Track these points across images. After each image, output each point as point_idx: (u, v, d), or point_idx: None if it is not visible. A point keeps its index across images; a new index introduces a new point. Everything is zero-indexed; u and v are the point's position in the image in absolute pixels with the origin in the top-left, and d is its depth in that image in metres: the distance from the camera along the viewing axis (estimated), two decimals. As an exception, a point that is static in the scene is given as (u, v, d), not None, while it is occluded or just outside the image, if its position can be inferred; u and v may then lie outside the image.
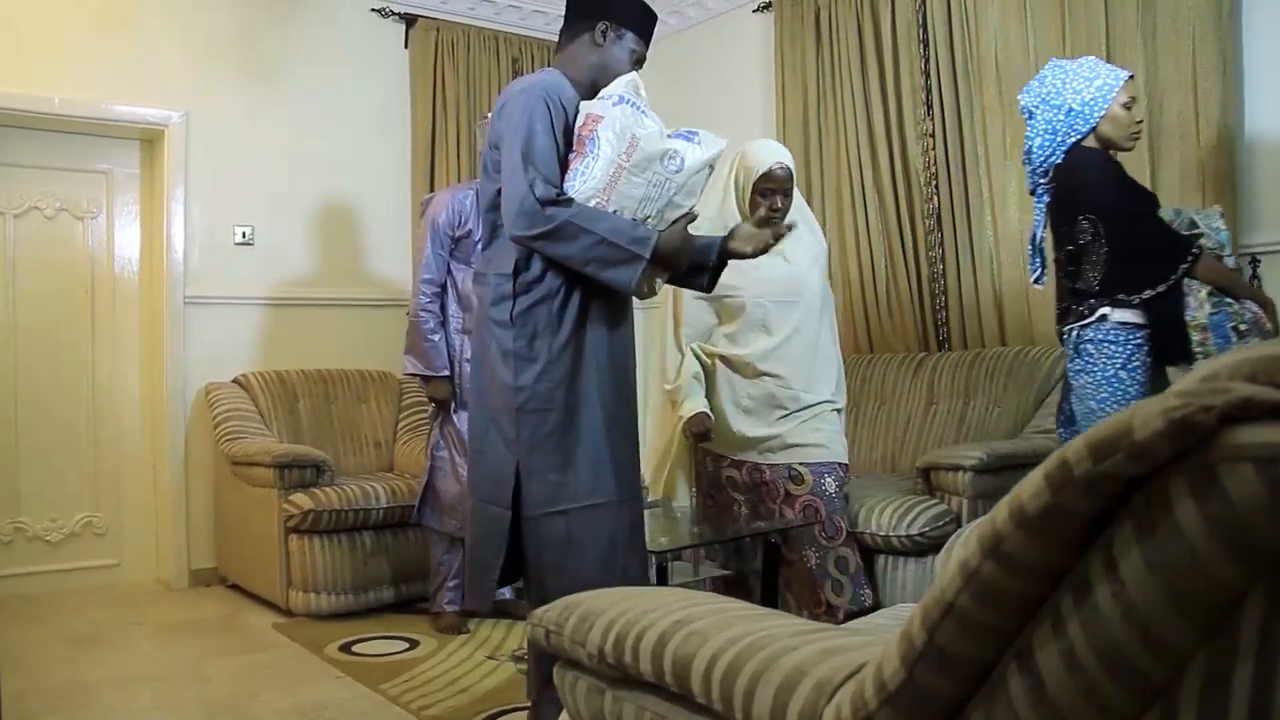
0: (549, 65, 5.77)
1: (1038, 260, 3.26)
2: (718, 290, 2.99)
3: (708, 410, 3.47)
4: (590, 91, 2.65)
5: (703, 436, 3.47)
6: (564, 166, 2.56)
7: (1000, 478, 3.57)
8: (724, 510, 3.59)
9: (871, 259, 4.92)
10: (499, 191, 2.58)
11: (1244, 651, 0.80)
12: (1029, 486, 0.89)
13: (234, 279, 5.14)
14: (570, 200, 2.49)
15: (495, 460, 2.61)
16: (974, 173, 4.49)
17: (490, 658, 3.69)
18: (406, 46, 5.64)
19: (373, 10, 5.54)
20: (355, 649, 3.84)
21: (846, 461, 3.56)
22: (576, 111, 2.59)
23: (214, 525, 4.99)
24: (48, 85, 4.66)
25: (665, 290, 3.30)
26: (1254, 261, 3.62)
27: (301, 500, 4.21)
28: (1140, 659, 0.83)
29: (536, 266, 2.57)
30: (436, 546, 4.17)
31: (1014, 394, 4.07)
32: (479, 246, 4.10)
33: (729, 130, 5.95)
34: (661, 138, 2.54)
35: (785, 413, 3.47)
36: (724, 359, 3.54)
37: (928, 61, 4.68)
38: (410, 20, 5.60)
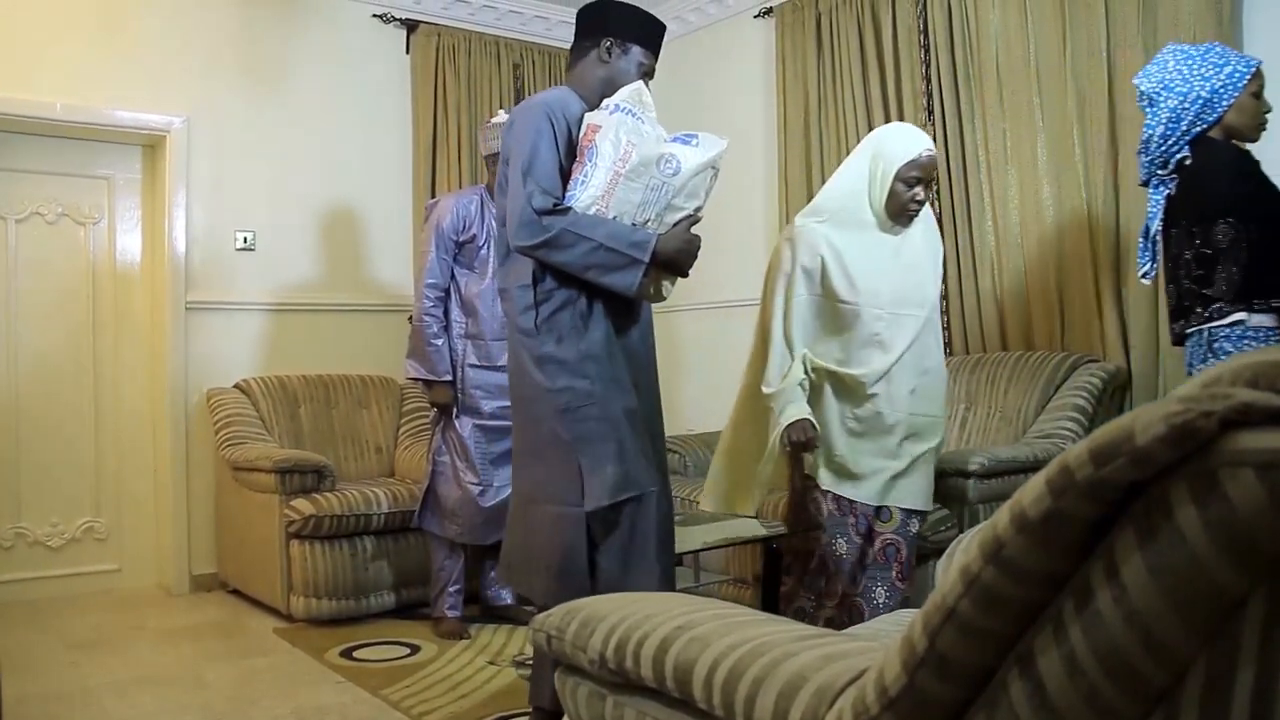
0: (549, 70, 5.88)
1: (1148, 254, 3.09)
2: (830, 297, 3.00)
3: (812, 418, 3.05)
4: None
5: (804, 446, 3.05)
6: (567, 178, 2.62)
7: (1002, 483, 3.57)
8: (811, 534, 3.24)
9: (872, 264, 4.91)
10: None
11: (1245, 656, 0.80)
12: (1030, 492, 0.89)
13: (235, 284, 5.14)
14: (568, 209, 2.56)
15: (557, 462, 2.67)
16: (975, 176, 4.49)
17: (491, 663, 3.69)
18: (408, 52, 5.64)
19: (374, 16, 5.55)
20: (356, 654, 3.84)
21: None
22: (579, 123, 2.65)
23: (215, 530, 4.99)
24: (50, 91, 4.67)
25: (776, 289, 3.13)
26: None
27: (303, 505, 4.21)
28: (1142, 664, 0.83)
29: (552, 274, 2.66)
30: (438, 551, 4.17)
31: (1015, 399, 4.07)
32: (482, 251, 4.13)
33: (730, 135, 5.95)
34: (657, 142, 2.59)
35: (893, 439, 3.11)
36: (831, 375, 3.11)
37: (929, 66, 4.68)
38: (411, 26, 5.61)
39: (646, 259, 2.57)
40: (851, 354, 3.10)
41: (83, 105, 4.75)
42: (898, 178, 3.04)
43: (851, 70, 4.98)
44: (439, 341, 4.08)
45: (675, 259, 2.65)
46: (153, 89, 4.92)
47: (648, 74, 2.83)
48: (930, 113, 4.67)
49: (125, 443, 5.08)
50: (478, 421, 4.09)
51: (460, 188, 5.45)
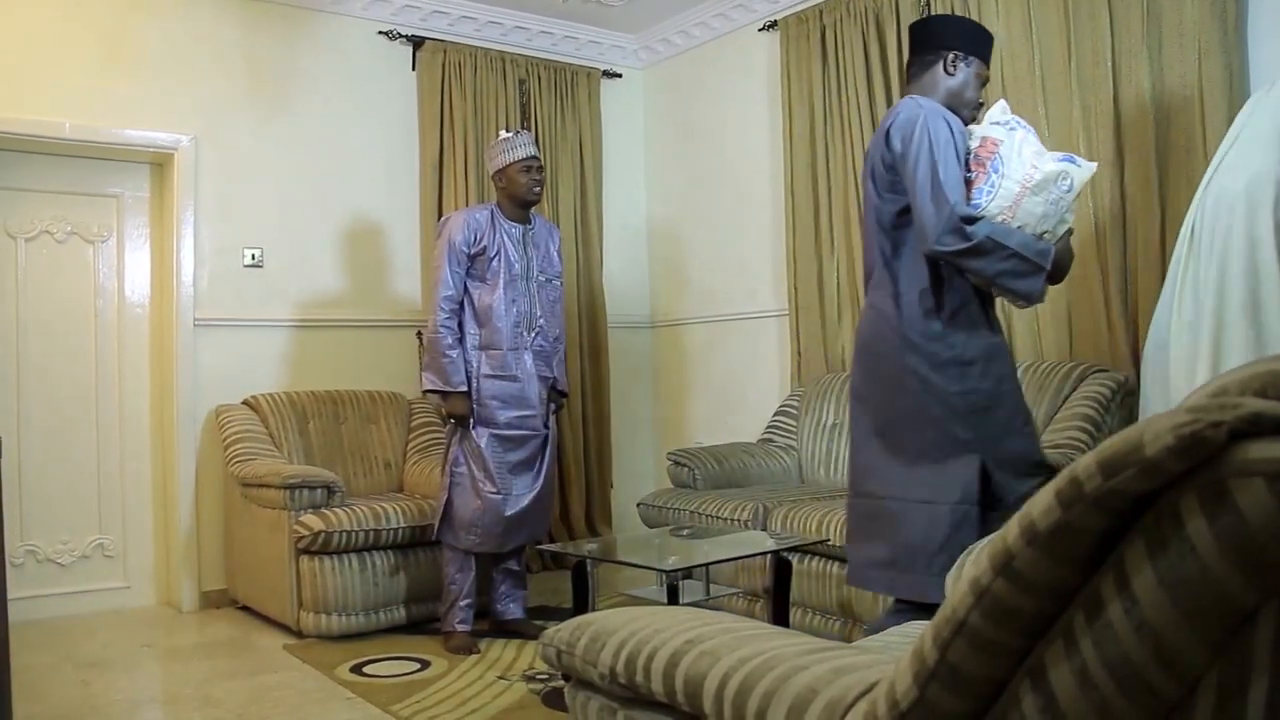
0: (555, 86, 5.91)
1: None
2: None
3: None
4: None
5: None
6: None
7: (1011, 493, 3.55)
8: None
9: (879, 275, 4.91)
10: (898, 211, 2.81)
11: (1258, 667, 0.80)
12: (1040, 504, 0.89)
13: (243, 301, 5.16)
14: (983, 218, 2.68)
15: (955, 466, 2.72)
16: (981, 188, 4.48)
17: (502, 678, 3.68)
18: (414, 68, 5.67)
19: (380, 33, 5.58)
20: (366, 670, 3.83)
21: None
22: (964, 132, 2.81)
23: (224, 547, 4.99)
24: (58, 111, 4.70)
25: None
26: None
27: (312, 521, 4.21)
28: (1153, 676, 0.83)
29: (953, 279, 2.78)
30: (450, 565, 4.17)
31: (1024, 409, 4.05)
32: (493, 263, 4.13)
33: (736, 147, 6.00)
34: (1054, 160, 2.75)
35: None
36: None
37: (933, 78, 4.68)
38: (418, 42, 5.63)
39: (1049, 266, 2.72)
40: None
41: (91, 125, 4.78)
42: None
43: (856, 82, 4.99)
44: (454, 353, 4.09)
45: (1061, 268, 2.83)
46: (160, 108, 4.95)
47: (985, 82, 3.00)
48: (935, 124, 4.67)
49: (134, 460, 5.09)
50: (494, 431, 4.11)
51: (468, 202, 5.48)
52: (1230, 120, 3.64)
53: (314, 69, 5.39)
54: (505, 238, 4.20)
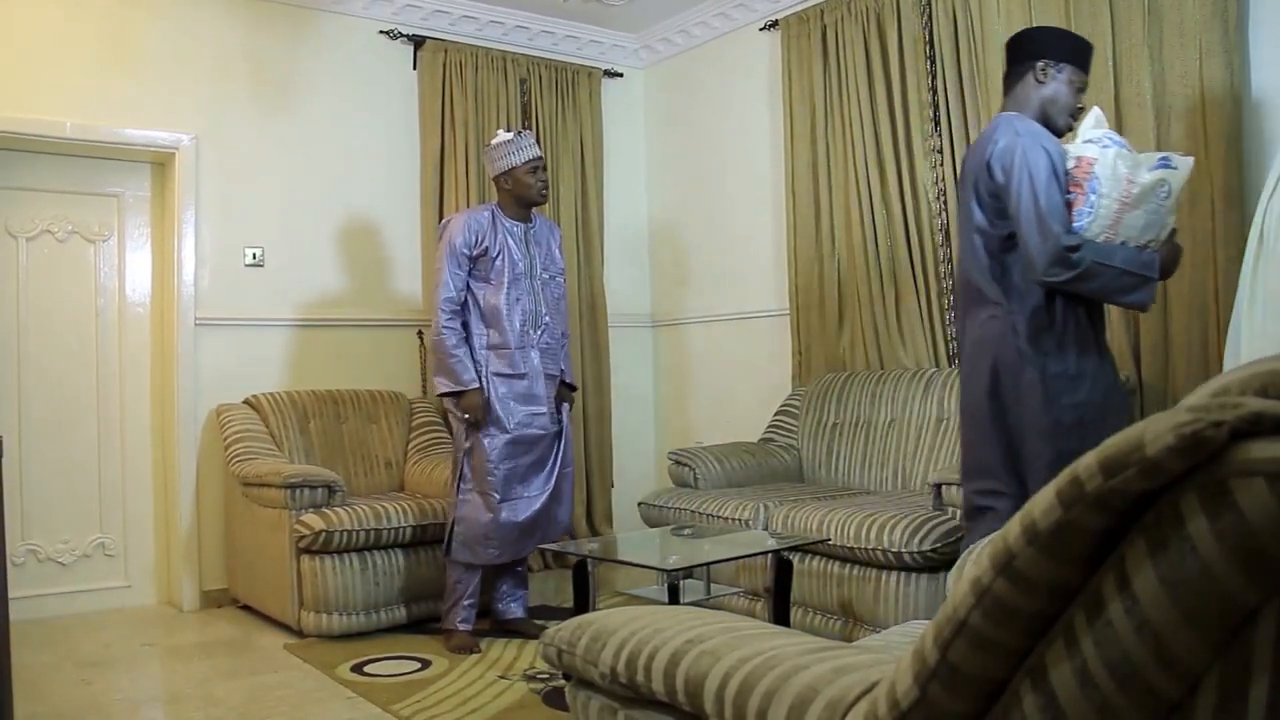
0: (556, 85, 5.90)
1: None
2: None
3: None
4: (1042, 124, 2.97)
5: None
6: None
7: (1012, 493, 3.55)
8: None
9: (881, 275, 4.92)
10: (1004, 237, 2.93)
11: (1259, 667, 0.80)
12: (1041, 503, 0.89)
13: (244, 301, 5.16)
14: (1085, 242, 2.79)
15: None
16: (982, 188, 4.48)
17: (502, 677, 3.68)
18: (415, 68, 5.67)
19: (381, 32, 5.58)
20: (367, 669, 3.83)
21: None
22: (1060, 153, 2.89)
23: (225, 546, 4.99)
24: (59, 110, 4.70)
25: None
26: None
27: (313, 521, 4.21)
28: (1154, 675, 0.83)
29: (1060, 299, 2.90)
30: (455, 566, 4.16)
31: (1025, 409, 4.06)
32: (496, 263, 4.12)
33: (737, 147, 6.00)
34: (1149, 171, 2.81)
35: None
36: None
37: (934, 77, 4.68)
38: (419, 42, 5.64)
39: (1157, 276, 2.85)
40: None
41: (92, 124, 4.78)
42: None
43: (857, 81, 4.99)
44: (460, 351, 4.09)
45: (1169, 268, 2.94)
46: (161, 107, 4.95)
47: (1080, 89, 3.05)
48: (936, 123, 4.67)
49: (135, 459, 5.10)
50: (506, 437, 4.09)
51: (469, 201, 5.48)
52: (1232, 120, 3.64)
53: (315, 68, 5.39)
54: (508, 237, 4.19)
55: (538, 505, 4.16)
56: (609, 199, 6.26)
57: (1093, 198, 2.80)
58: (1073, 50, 3.04)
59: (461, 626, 4.12)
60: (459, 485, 4.16)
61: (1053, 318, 2.90)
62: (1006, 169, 2.86)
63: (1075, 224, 2.81)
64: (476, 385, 4.08)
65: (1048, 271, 2.79)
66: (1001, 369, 2.96)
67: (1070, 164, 2.86)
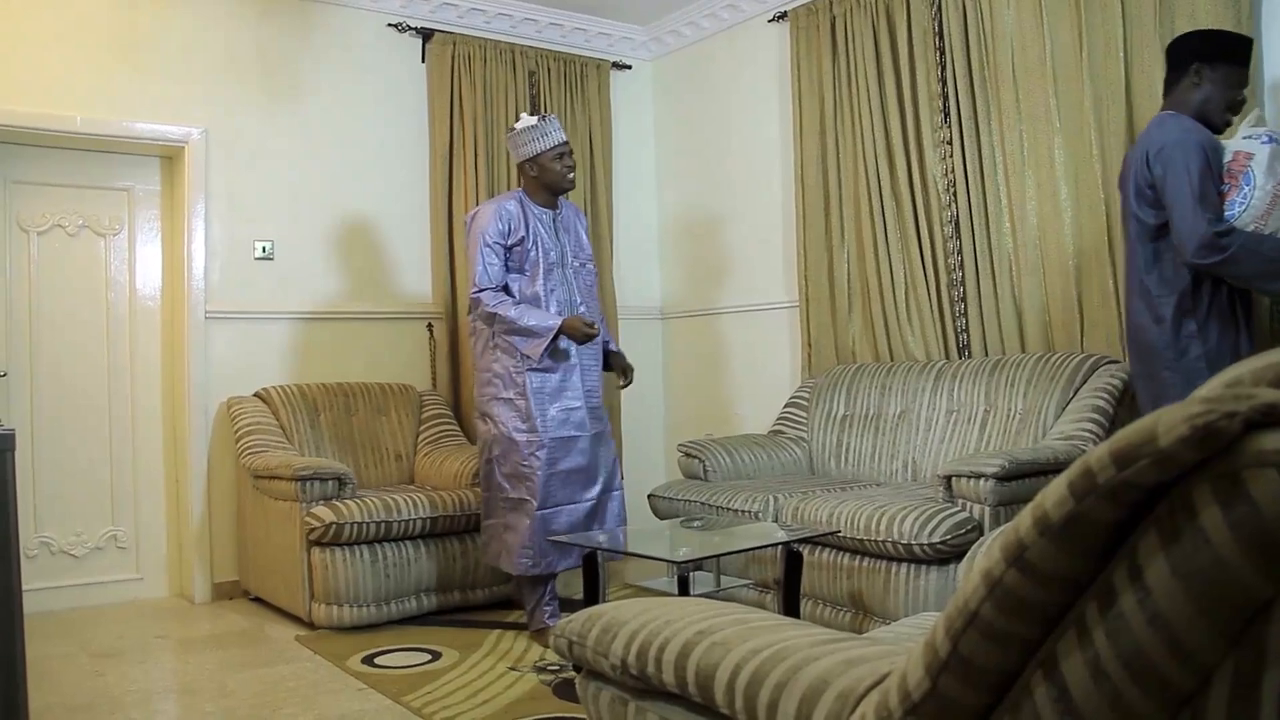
0: (565, 77, 5.90)
1: None
2: None
3: None
4: (1201, 122, 3.16)
5: None
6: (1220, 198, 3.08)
7: (1022, 485, 3.55)
8: None
9: (890, 267, 4.91)
10: (1158, 226, 3.15)
11: (1272, 659, 0.80)
12: (1052, 494, 0.88)
13: (254, 294, 5.17)
14: (1235, 230, 3.00)
15: None
16: (992, 180, 4.48)
17: (513, 668, 3.69)
18: (424, 60, 5.67)
19: (389, 25, 5.58)
20: (378, 661, 3.85)
21: None
22: (1216, 148, 3.09)
23: (236, 538, 5.02)
24: (69, 105, 4.72)
25: None
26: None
27: (323, 513, 4.22)
28: (1167, 667, 0.83)
29: (1207, 282, 3.11)
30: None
31: (1035, 400, 4.05)
32: (531, 253, 4.05)
33: (746, 139, 5.98)
34: None
35: None
36: None
37: (944, 69, 4.67)
38: (427, 34, 5.63)
39: None
40: None
41: (102, 118, 4.79)
42: None
43: (867, 73, 4.97)
44: (520, 307, 3.96)
45: None
46: (171, 101, 4.96)
47: (1239, 84, 3.21)
48: (946, 115, 4.66)
49: (146, 452, 5.12)
50: (546, 436, 3.97)
51: (478, 194, 5.47)
52: (1243, 115, 3.62)
53: (324, 62, 5.40)
54: (539, 224, 4.09)
55: (579, 515, 4.04)
56: (618, 191, 6.25)
57: (1246, 189, 2.99)
58: (1226, 49, 3.18)
59: (549, 622, 4.04)
60: (484, 494, 4.12)
61: (1197, 303, 3.10)
62: (1165, 165, 3.06)
63: (1227, 213, 3.00)
64: (560, 317, 3.97)
65: (1196, 254, 2.99)
66: (1150, 355, 3.18)
67: (1227, 158, 3.05)
